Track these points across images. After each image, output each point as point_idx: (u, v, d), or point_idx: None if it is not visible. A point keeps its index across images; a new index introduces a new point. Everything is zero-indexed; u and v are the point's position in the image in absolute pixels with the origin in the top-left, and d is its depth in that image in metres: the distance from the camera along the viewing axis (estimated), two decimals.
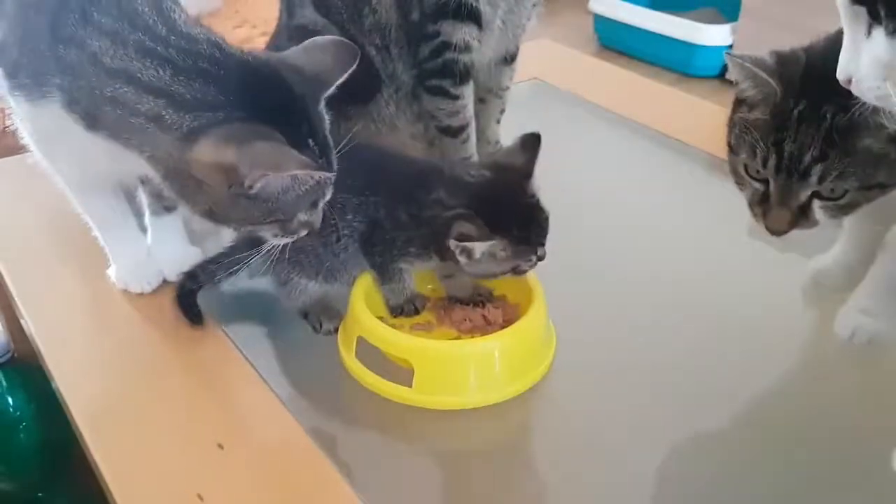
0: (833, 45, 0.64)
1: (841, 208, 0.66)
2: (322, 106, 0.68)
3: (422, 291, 0.80)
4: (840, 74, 0.55)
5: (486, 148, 1.05)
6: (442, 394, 0.70)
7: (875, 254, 0.76)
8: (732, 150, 0.70)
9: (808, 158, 0.64)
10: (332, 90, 0.69)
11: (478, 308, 0.78)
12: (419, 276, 0.80)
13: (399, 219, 0.73)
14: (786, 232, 0.67)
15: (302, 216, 0.67)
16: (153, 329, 0.80)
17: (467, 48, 0.91)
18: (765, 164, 0.66)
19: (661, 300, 0.83)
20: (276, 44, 1.01)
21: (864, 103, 0.58)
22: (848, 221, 0.80)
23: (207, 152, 0.61)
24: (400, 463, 0.66)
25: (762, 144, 0.65)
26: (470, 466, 0.68)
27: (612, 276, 0.87)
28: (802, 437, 0.68)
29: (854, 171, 0.63)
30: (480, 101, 1.02)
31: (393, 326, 0.75)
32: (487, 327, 0.77)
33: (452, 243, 0.69)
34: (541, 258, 0.72)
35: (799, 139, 0.64)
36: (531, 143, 0.73)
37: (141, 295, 0.84)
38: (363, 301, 0.75)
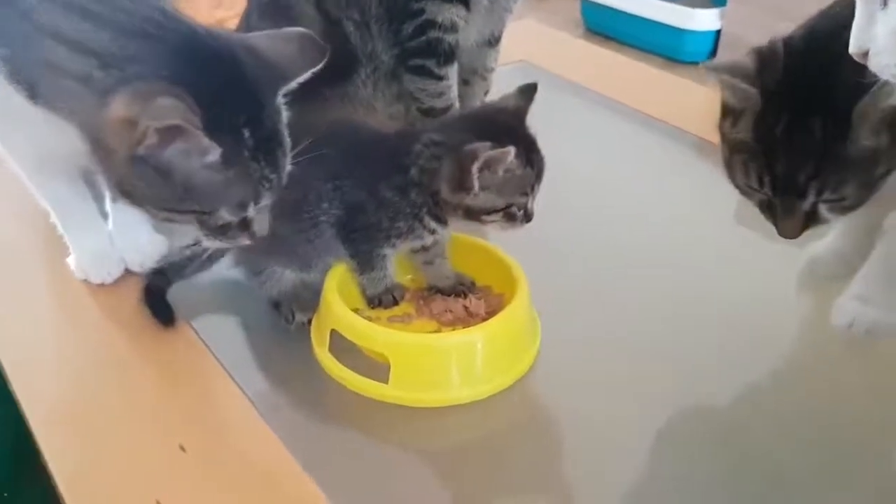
0: (812, 32, 0.62)
1: (847, 207, 0.65)
2: (279, 100, 0.63)
3: (401, 281, 0.77)
4: (853, 48, 0.52)
5: None
6: (420, 390, 0.68)
7: (873, 241, 0.74)
8: (728, 165, 0.69)
9: (802, 178, 0.63)
10: (292, 85, 0.64)
11: (459, 299, 0.76)
12: (398, 265, 0.77)
13: (383, 197, 0.70)
14: (798, 236, 0.67)
15: (225, 214, 0.62)
16: (113, 322, 0.77)
17: (453, 27, 0.89)
18: (761, 185, 0.65)
19: (650, 289, 0.81)
20: (246, 22, 0.97)
21: (862, 112, 0.57)
22: None
23: (115, 108, 0.56)
24: (376, 464, 0.63)
25: (754, 166, 0.65)
26: (450, 467, 0.65)
27: (599, 264, 0.85)
28: (797, 431, 0.66)
29: (852, 176, 0.62)
30: (465, 82, 0.99)
31: (369, 318, 0.73)
32: (469, 319, 0.74)
33: (473, 166, 0.65)
34: (529, 216, 0.70)
35: (789, 160, 0.63)
36: (527, 90, 0.72)
37: (102, 286, 0.80)
38: (337, 291, 0.72)
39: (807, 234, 0.67)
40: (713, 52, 2.45)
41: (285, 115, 0.64)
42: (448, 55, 0.90)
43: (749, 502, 0.60)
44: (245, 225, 0.64)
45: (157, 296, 0.76)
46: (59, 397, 0.70)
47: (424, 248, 0.75)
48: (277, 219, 0.71)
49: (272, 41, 0.64)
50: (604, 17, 2.71)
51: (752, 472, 0.62)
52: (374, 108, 0.93)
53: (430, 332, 0.73)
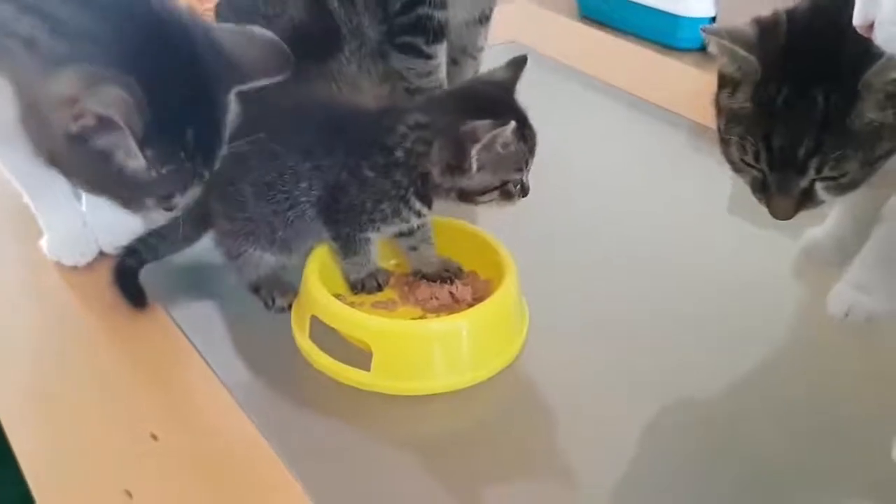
0: (817, 3, 0.60)
1: (845, 186, 0.63)
2: (230, 97, 0.62)
3: (385, 266, 0.76)
4: (857, 19, 0.50)
5: None
6: (403, 378, 0.66)
7: (871, 226, 0.72)
8: (723, 139, 0.66)
9: (802, 152, 0.60)
10: (245, 87, 0.63)
11: (445, 284, 0.74)
12: (382, 249, 0.75)
13: (365, 177, 0.68)
14: (791, 217, 0.64)
15: (150, 203, 0.61)
16: (86, 305, 0.75)
17: (442, 4, 0.87)
18: (757, 160, 0.63)
19: (642, 275, 0.80)
20: None
21: (868, 84, 0.55)
22: None
23: (60, 84, 0.55)
24: (356, 454, 0.62)
25: (751, 139, 0.62)
26: (433, 456, 0.63)
27: (590, 250, 0.83)
28: (792, 421, 0.64)
29: (855, 151, 0.60)
30: (453, 62, 0.98)
31: (352, 304, 0.71)
32: (455, 305, 0.72)
33: (474, 148, 0.63)
34: (525, 191, 0.68)
35: (789, 132, 0.60)
36: (517, 62, 0.69)
37: (74, 268, 0.78)
38: (318, 276, 0.69)
39: (800, 216, 0.65)
40: None
41: (233, 111, 0.63)
42: (437, 33, 0.89)
43: (742, 492, 0.59)
44: (170, 208, 0.63)
45: (129, 276, 0.73)
46: (28, 381, 0.68)
47: (409, 233, 0.73)
48: (253, 199, 0.69)
49: (239, 38, 0.63)
50: (598, 2, 2.69)
51: (745, 461, 0.60)
52: (360, 87, 0.91)
53: (415, 318, 0.71)
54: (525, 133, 0.66)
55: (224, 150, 0.62)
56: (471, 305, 0.70)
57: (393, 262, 0.77)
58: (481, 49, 0.99)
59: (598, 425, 0.64)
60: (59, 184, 0.77)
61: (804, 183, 0.62)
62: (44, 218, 0.79)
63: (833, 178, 0.62)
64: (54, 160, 0.59)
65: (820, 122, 0.59)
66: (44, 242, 0.79)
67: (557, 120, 1.07)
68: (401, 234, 0.73)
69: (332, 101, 0.78)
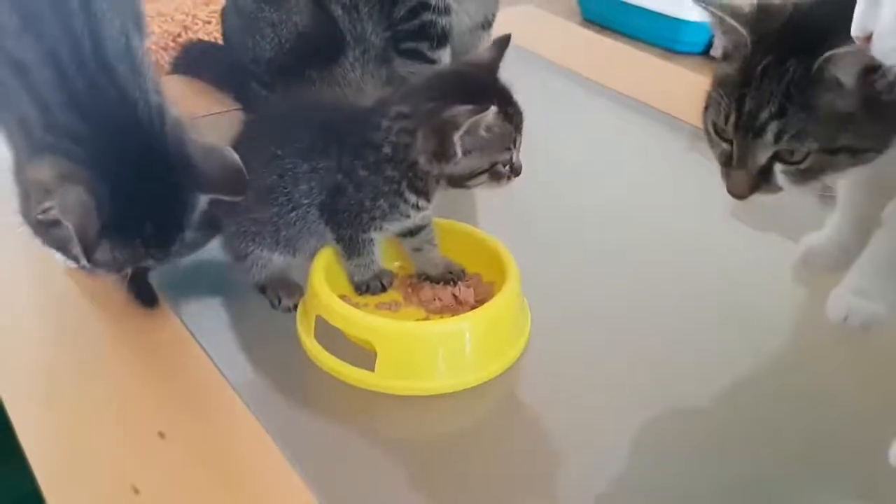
0: (828, 1, 0.60)
1: (802, 173, 0.63)
2: (196, 199, 0.67)
3: (389, 268, 0.76)
4: (855, 30, 0.50)
5: None
6: (407, 378, 0.66)
7: (871, 231, 0.72)
8: (706, 106, 0.67)
9: (764, 115, 0.61)
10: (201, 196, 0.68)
11: (448, 286, 0.74)
12: (386, 251, 0.76)
13: (360, 177, 0.68)
14: (746, 196, 0.64)
15: (104, 271, 0.66)
16: (95, 306, 0.75)
17: (446, 10, 0.89)
18: (727, 121, 0.63)
19: (642, 279, 0.80)
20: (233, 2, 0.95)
21: (831, 58, 0.55)
22: (842, 195, 0.77)
23: (37, 171, 0.62)
24: (360, 454, 0.62)
25: (726, 99, 0.63)
26: (437, 457, 0.63)
27: (590, 253, 0.84)
28: (791, 426, 0.65)
29: (813, 130, 0.60)
30: None
31: (356, 305, 0.71)
32: (458, 307, 0.73)
33: (455, 135, 0.63)
34: (517, 171, 0.67)
35: (759, 94, 0.61)
36: (500, 42, 0.69)
37: (83, 270, 0.77)
38: (323, 276, 0.70)
39: (755, 198, 0.64)
40: (709, 43, 2.43)
41: (198, 209, 0.67)
42: (441, 38, 0.90)
43: (742, 494, 0.59)
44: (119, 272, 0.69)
45: (140, 277, 0.74)
46: (37, 380, 0.68)
47: (412, 234, 0.73)
48: (256, 202, 0.70)
49: (209, 154, 0.67)
50: (600, 6, 2.69)
51: (744, 464, 0.61)
52: (364, 91, 0.92)
53: (419, 319, 0.72)
54: (510, 112, 0.65)
55: (184, 237, 0.67)
56: (473, 307, 0.71)
57: (397, 263, 0.77)
58: None
59: (599, 426, 0.64)
60: None
61: (763, 156, 0.62)
62: None
63: (792, 162, 0.62)
64: (30, 226, 0.66)
65: (785, 90, 0.59)
66: None
67: (558, 123, 1.07)
68: (404, 236, 0.74)
69: (327, 104, 0.79)
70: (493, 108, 0.62)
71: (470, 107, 0.62)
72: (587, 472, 0.61)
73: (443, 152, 0.64)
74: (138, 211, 0.63)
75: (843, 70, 0.57)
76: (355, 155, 0.68)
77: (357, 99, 0.90)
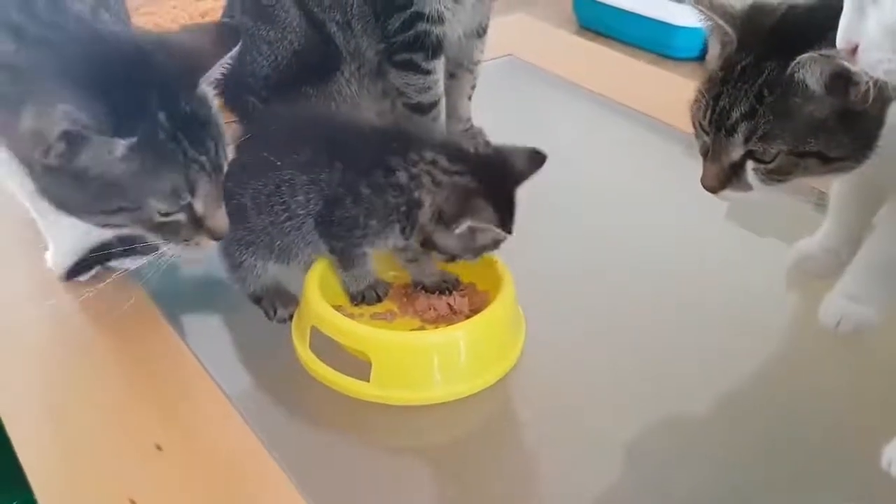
0: (823, 6, 0.61)
1: (770, 173, 0.63)
2: (201, 87, 0.64)
3: (384, 278, 0.76)
4: (840, 42, 0.51)
5: (458, 126, 1.01)
6: (402, 388, 0.66)
7: (862, 237, 0.73)
8: (694, 100, 0.68)
9: (735, 114, 0.62)
10: (214, 73, 0.65)
11: (443, 296, 0.75)
12: (381, 261, 0.76)
13: (359, 192, 0.69)
14: (717, 190, 0.66)
15: (156, 203, 0.61)
16: (90, 318, 0.75)
17: (440, 19, 0.88)
18: (704, 116, 0.65)
19: (637, 285, 0.80)
20: (230, 14, 0.95)
21: (800, 62, 0.56)
22: (833, 202, 0.77)
23: (24, 122, 0.58)
24: (356, 464, 0.62)
25: (706, 96, 0.64)
26: (432, 466, 0.64)
27: (586, 261, 0.84)
28: (784, 431, 0.65)
29: (782, 133, 0.61)
30: (451, 76, 0.98)
31: (352, 315, 0.72)
32: (453, 317, 0.73)
33: (461, 221, 0.66)
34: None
35: (733, 93, 0.62)
36: (537, 158, 0.70)
37: (79, 281, 0.79)
38: (318, 287, 0.70)
39: (727, 194, 0.65)
40: (704, 48, 2.44)
41: (213, 102, 0.65)
42: (436, 48, 0.90)
43: (735, 498, 0.59)
44: (196, 221, 0.63)
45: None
46: (34, 393, 0.69)
47: (407, 247, 0.74)
48: (252, 209, 0.70)
49: (189, 35, 0.66)
50: (596, 12, 2.71)
51: (736, 470, 0.61)
52: (360, 105, 0.92)
53: (414, 329, 0.72)
54: (508, 224, 0.68)
55: (224, 141, 0.64)
56: (468, 317, 0.71)
57: (392, 273, 0.78)
58: (478, 62, 1.00)
59: (594, 434, 0.64)
60: None
61: (735, 153, 0.63)
62: (49, 232, 0.79)
63: (762, 160, 0.62)
64: (54, 201, 0.62)
65: (758, 91, 0.60)
66: (49, 256, 0.80)
67: (553, 131, 1.08)
68: (400, 248, 0.74)
69: (334, 118, 0.79)
70: (503, 235, 0.67)
71: (494, 214, 0.66)
72: (583, 481, 0.61)
73: (447, 221, 0.67)
74: (139, 107, 0.59)
75: (811, 75, 0.58)
76: (363, 172, 0.69)
77: (353, 112, 0.90)
